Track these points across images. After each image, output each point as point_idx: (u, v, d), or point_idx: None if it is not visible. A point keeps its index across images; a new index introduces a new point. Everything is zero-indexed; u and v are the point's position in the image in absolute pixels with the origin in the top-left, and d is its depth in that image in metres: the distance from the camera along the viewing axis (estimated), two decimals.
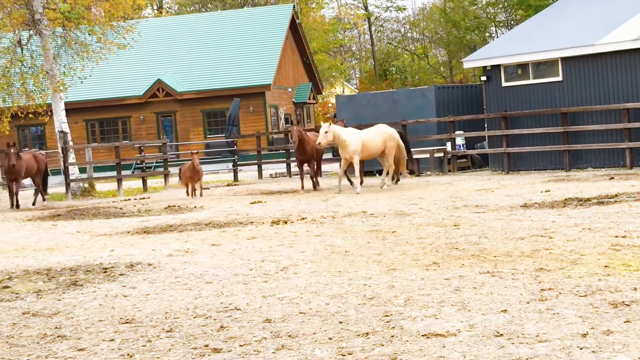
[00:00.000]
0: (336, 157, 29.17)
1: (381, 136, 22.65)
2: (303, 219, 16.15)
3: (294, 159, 27.27)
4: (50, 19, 27.96)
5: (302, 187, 24.23)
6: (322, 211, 17.59)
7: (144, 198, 25.27)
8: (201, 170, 24.49)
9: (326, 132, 21.98)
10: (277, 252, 12.02)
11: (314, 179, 24.60)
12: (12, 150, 23.39)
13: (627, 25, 25.34)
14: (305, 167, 24.99)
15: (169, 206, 21.56)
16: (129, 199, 25.18)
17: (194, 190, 24.34)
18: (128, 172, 39.29)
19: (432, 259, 10.54)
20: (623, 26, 25.35)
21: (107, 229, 16.89)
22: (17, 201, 24.15)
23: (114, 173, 32.59)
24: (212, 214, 18.74)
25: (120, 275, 10.86)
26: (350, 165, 23.06)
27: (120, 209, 21.83)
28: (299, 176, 25.03)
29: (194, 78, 47.88)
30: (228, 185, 29.61)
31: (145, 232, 15.85)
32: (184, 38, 50.85)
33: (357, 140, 22.13)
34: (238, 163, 33.95)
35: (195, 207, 20.94)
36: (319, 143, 22.12)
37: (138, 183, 33.02)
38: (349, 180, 24.52)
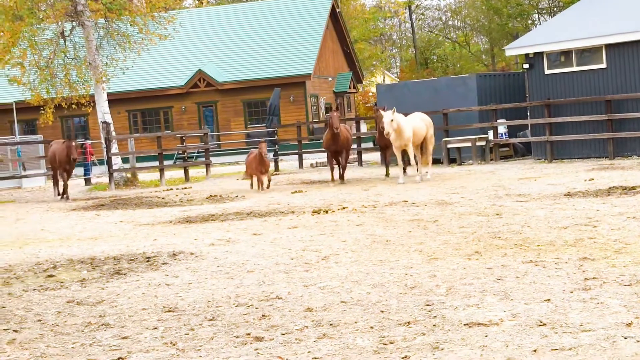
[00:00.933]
0: (376, 146, 29.01)
1: (425, 123, 22.51)
2: (344, 208, 16.16)
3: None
4: (92, 10, 28.24)
5: (333, 179, 23.23)
6: (363, 200, 17.58)
7: (185, 188, 25.42)
8: (268, 161, 22.87)
9: (392, 121, 21.04)
10: (318, 241, 12.04)
11: (342, 171, 23.31)
12: (74, 144, 23.94)
13: None
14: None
15: (211, 196, 21.66)
16: (171, 189, 25.36)
17: (260, 182, 22.38)
18: (170, 162, 39.59)
19: (474, 248, 10.49)
20: None
21: (150, 218, 17.04)
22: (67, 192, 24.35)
23: (156, 163, 32.84)
24: (253, 203, 18.81)
25: (163, 264, 10.95)
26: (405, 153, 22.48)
27: (163, 198, 22.00)
28: (330, 167, 23.54)
29: (234, 68, 48.02)
30: None
31: (187, 221, 15.95)
32: (224, 28, 51.03)
33: (410, 127, 21.68)
34: (279, 153, 34.02)
35: (236, 196, 21.03)
36: (388, 133, 21.01)
37: (180, 173, 33.26)
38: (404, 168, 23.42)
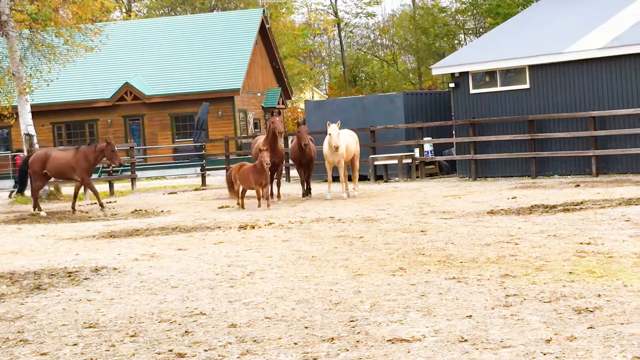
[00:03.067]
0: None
1: (354, 139, 22.66)
2: (270, 224, 16.14)
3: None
4: (17, 21, 27.70)
5: (305, 194, 22.47)
6: (290, 216, 17.58)
7: (110, 202, 25.09)
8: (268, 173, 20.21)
9: (338, 134, 21.20)
10: (243, 257, 12.00)
11: (307, 187, 22.52)
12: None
13: (594, 33, 25.62)
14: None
15: (136, 210, 21.45)
16: (95, 203, 24.98)
17: (264, 196, 20.03)
18: (95, 176, 38.98)
19: (399, 264, 10.57)
20: (590, 34, 25.62)
21: (73, 232, 16.75)
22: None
23: None
24: (179, 218, 18.67)
25: (85, 279, 10.78)
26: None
27: (86, 212, 21.68)
28: (300, 181, 22.66)
29: (162, 82, 47.66)
30: (196, 189, 29.50)
31: (110, 236, 15.77)
32: (153, 42, 50.63)
33: (343, 143, 21.77)
34: (206, 167, 33.84)
35: (162, 211, 20.84)
36: (337, 146, 21.02)
37: (104, 187, 32.82)
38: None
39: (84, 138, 47.48)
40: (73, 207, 21.95)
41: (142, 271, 11.18)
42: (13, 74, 28.11)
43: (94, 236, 15.89)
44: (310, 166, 22.52)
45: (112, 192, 29.15)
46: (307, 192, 22.68)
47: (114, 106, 47.41)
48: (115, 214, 20.83)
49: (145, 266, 11.61)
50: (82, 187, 23.55)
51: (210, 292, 9.41)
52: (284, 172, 29.66)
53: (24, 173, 23.49)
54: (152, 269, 11.30)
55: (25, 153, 27.70)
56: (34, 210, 22.34)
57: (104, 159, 22.43)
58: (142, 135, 47.09)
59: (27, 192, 30.09)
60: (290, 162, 30.01)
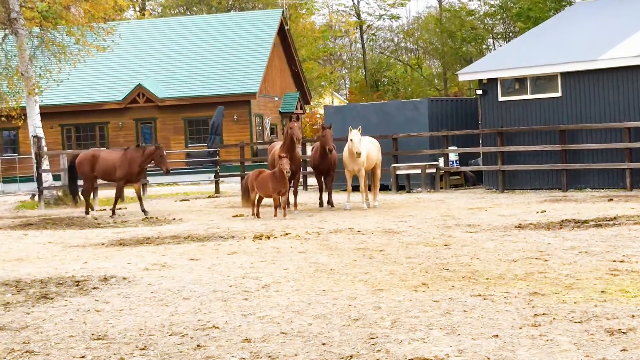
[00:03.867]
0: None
1: (375, 147, 22.66)
2: (287, 234, 16.13)
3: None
4: (27, 18, 27.91)
5: (322, 204, 22.54)
6: (307, 227, 17.57)
7: (120, 208, 25.16)
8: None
9: (360, 140, 21.15)
10: (258, 268, 12.00)
11: (328, 196, 22.45)
12: None
13: (630, 40, 25.51)
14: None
15: (146, 218, 21.49)
16: (105, 209, 25.07)
17: (282, 205, 20.01)
18: (104, 181, 39.12)
19: (421, 279, 10.55)
20: (626, 42, 25.52)
21: (81, 240, 16.82)
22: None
23: None
24: (192, 226, 18.71)
25: (93, 289, 10.81)
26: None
27: (95, 219, 21.78)
28: (319, 189, 22.73)
29: (176, 84, 47.85)
30: (209, 197, 29.58)
31: (120, 244, 15.81)
32: (167, 42, 50.86)
33: (364, 150, 21.69)
34: (220, 174, 33.93)
35: (174, 219, 20.89)
36: (359, 153, 20.98)
37: (113, 192, 32.87)
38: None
39: (94, 141, 47.72)
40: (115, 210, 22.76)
41: (152, 281, 11.20)
42: (22, 74, 28.31)
43: (103, 244, 15.94)
44: (331, 174, 22.55)
45: (122, 198, 29.18)
46: (327, 202, 22.67)
47: (125, 109, 47.63)
48: (125, 221, 20.89)
49: (156, 276, 11.63)
50: (141, 189, 23.86)
51: (224, 305, 9.41)
52: (300, 180, 29.71)
53: (74, 174, 23.77)
54: (163, 279, 11.32)
55: (33, 156, 27.86)
56: (87, 213, 22.88)
57: (152, 162, 22.70)
58: (155, 140, 47.28)
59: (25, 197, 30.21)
60: (309, 169, 30.09)
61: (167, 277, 11.55)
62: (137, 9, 73.72)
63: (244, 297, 9.83)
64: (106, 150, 24.60)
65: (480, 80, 27.85)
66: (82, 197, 24.26)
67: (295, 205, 22.27)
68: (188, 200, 27.82)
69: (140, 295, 10.27)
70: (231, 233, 16.86)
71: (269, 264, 12.35)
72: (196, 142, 47.01)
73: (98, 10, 28.68)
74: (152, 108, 47.59)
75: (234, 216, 20.88)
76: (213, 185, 33.44)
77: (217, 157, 34.11)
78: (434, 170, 28.20)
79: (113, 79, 48.43)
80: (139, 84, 47.00)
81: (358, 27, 76.11)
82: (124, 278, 11.56)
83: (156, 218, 21.34)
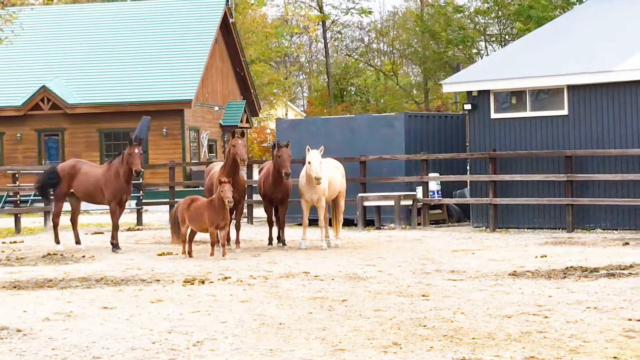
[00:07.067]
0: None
1: (339, 172, 22.69)
2: (226, 278, 16.09)
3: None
4: None
5: (271, 241, 22.70)
6: (251, 269, 17.53)
7: (15, 242, 24.91)
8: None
9: (320, 163, 21.19)
10: (189, 321, 11.95)
11: (281, 231, 22.59)
12: None
13: None
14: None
15: (49, 254, 21.32)
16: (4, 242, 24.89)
17: (220, 241, 20.09)
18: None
19: (393, 338, 10.55)
20: None
21: None
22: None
23: None
24: (106, 266, 18.58)
25: None
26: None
27: None
28: (268, 223, 23.03)
29: (90, 87, 47.62)
30: (129, 229, 29.39)
31: (15, 287, 15.65)
32: (81, 35, 50.64)
33: (326, 177, 21.76)
34: (143, 201, 33.74)
35: (83, 256, 20.74)
36: (319, 178, 20.96)
37: (9, 222, 32.61)
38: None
39: None
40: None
41: (54, 335, 11.09)
42: None
43: None
44: (285, 204, 22.60)
45: (18, 228, 28.96)
46: (277, 239, 22.68)
47: (25, 116, 47.29)
48: (22, 258, 20.69)
49: (59, 328, 11.53)
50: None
51: None
52: (245, 211, 29.65)
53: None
54: (67, 333, 11.22)
55: None
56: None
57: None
58: (62, 156, 46.93)
59: None
60: (255, 197, 30.02)
61: (73, 329, 11.45)
62: None
63: (170, 357, 9.78)
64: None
65: (469, 93, 28.05)
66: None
67: (238, 242, 22.20)
68: (102, 233, 27.61)
69: (39, 352, 10.16)
70: (156, 276, 16.76)
71: (202, 316, 12.29)
72: (114, 159, 46.70)
73: None
74: (59, 116, 47.29)
75: (159, 254, 20.76)
76: (134, 215, 33.24)
77: (141, 180, 33.95)
78: (410, 202, 28.29)
79: (11, 79, 48.08)
80: (44, 86, 46.70)
81: (320, 23, 76.47)
82: (19, 330, 11.43)
83: (61, 255, 21.14)
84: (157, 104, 46.50)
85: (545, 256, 18.94)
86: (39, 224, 31.73)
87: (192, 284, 15.49)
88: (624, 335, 10.51)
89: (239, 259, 19.54)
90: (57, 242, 22.86)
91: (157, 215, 36.64)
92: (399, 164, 29.19)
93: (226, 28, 52.41)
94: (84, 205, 38.37)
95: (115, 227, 22.40)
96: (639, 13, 28.98)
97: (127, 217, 35.86)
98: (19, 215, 29.86)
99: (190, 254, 20.08)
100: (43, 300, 13.95)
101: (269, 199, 22.50)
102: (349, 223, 27.85)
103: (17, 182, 31.27)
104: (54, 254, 21.26)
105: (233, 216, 22.21)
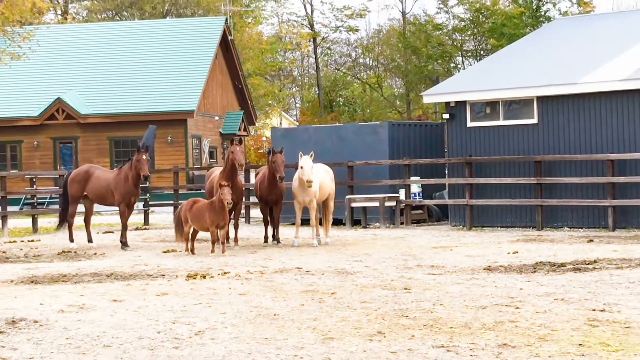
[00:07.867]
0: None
1: (329, 176, 22.73)
2: (225, 273, 16.11)
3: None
4: None
5: (267, 239, 22.75)
6: (248, 265, 17.55)
7: (33, 240, 24.92)
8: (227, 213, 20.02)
9: (311, 168, 21.30)
10: (191, 312, 11.96)
11: (275, 230, 22.78)
12: None
13: (615, 62, 25.93)
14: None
15: (63, 251, 21.35)
16: (15, 241, 24.82)
17: (220, 240, 20.08)
18: (15, 208, 38.72)
19: (377, 327, 10.57)
20: (610, 63, 25.93)
21: None
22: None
23: None
24: (116, 263, 18.58)
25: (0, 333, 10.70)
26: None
27: (4, 252, 21.56)
28: (264, 222, 22.97)
29: (101, 99, 47.61)
30: (137, 229, 29.39)
31: (32, 281, 15.67)
32: (93, 51, 50.62)
33: (317, 180, 21.81)
34: (150, 203, 33.73)
35: (95, 253, 20.76)
36: (310, 181, 21.05)
37: (27, 222, 32.57)
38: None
39: (5, 162, 47.20)
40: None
41: (68, 325, 11.10)
42: None
43: (11, 281, 15.78)
44: (279, 205, 22.69)
45: (35, 228, 28.95)
46: (272, 237, 22.79)
47: (42, 126, 47.26)
48: (39, 255, 20.70)
49: (72, 319, 11.53)
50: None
51: (150, 354, 9.35)
52: (242, 211, 29.63)
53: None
54: (80, 323, 11.22)
55: None
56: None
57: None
58: (75, 162, 46.91)
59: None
60: (252, 199, 30.02)
61: (85, 320, 11.45)
62: (59, 12, 73.35)
63: (174, 345, 9.78)
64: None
65: (447, 103, 28.10)
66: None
67: (236, 240, 22.21)
68: (112, 232, 27.61)
69: (54, 341, 10.16)
70: (161, 271, 16.78)
71: (203, 308, 12.30)
72: (123, 165, 46.67)
73: (13, 12, 28.45)
74: (73, 126, 47.27)
75: (164, 252, 20.79)
76: (141, 216, 33.22)
77: (147, 184, 33.91)
78: (393, 204, 28.32)
79: (29, 92, 48.04)
80: (59, 97, 46.67)
81: (311, 40, 76.47)
82: (36, 321, 11.43)
83: (74, 252, 21.16)
84: (162, 114, 46.50)
85: (517, 252, 18.98)
86: (54, 224, 31.70)
87: (195, 278, 15.52)
88: (588, 324, 10.53)
89: (237, 256, 19.57)
90: (71, 240, 22.86)
91: (163, 215, 36.65)
92: (384, 168, 29.24)
93: (225, 45, 52.46)
94: (97, 206, 38.49)
95: (124, 227, 22.39)
96: (601, 32, 29.23)
97: (135, 218, 35.84)
98: (36, 216, 29.86)
99: (192, 251, 20.09)
100: (58, 294, 13.97)
101: (265, 201, 22.57)
102: (337, 222, 27.92)
103: (35, 186, 31.25)
104: (68, 252, 21.33)
105: (232, 216, 22.25)
